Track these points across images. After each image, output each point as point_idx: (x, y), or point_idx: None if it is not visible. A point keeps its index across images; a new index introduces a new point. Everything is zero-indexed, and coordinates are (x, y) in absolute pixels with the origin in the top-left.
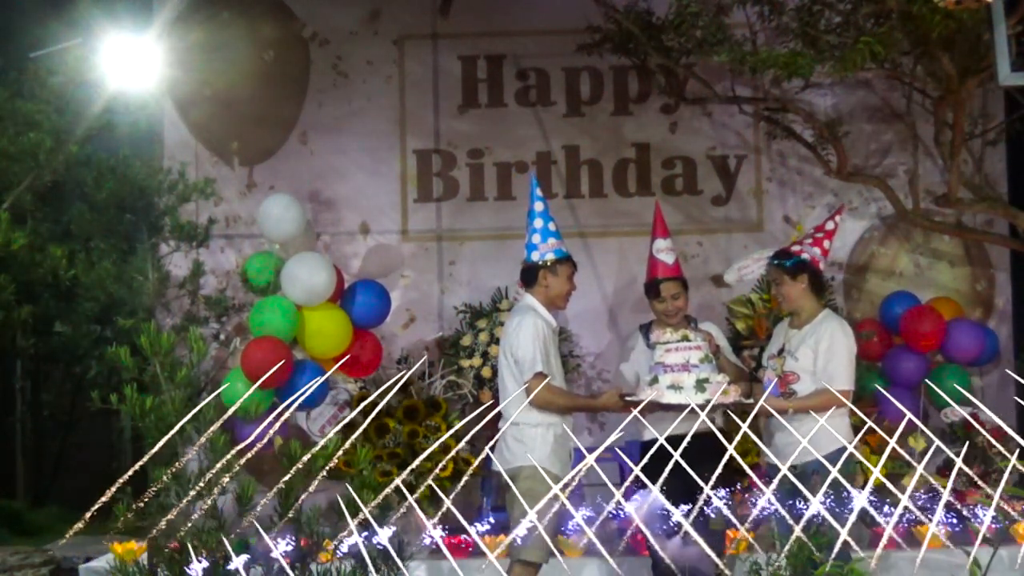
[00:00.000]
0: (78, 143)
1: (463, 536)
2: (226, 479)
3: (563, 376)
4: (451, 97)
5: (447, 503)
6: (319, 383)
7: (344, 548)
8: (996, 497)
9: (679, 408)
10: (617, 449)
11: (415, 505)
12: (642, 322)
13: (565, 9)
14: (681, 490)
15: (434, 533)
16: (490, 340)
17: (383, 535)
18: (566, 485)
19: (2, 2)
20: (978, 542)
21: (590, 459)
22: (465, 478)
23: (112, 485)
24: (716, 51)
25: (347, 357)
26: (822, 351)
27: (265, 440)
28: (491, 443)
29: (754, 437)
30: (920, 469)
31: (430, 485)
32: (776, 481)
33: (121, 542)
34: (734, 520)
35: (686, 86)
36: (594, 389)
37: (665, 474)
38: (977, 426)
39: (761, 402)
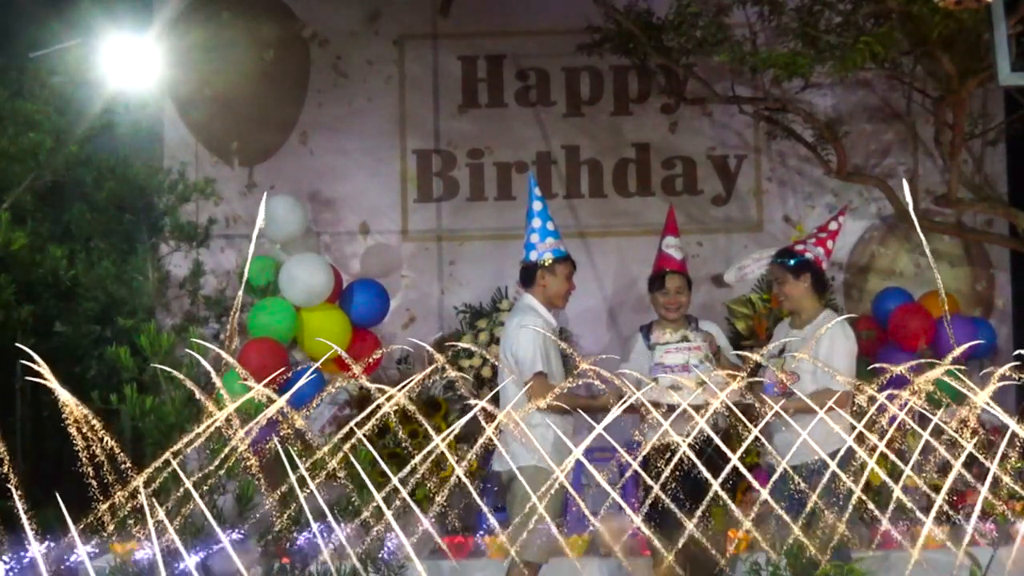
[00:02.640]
0: (78, 143)
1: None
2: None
3: (564, 376)
4: (451, 97)
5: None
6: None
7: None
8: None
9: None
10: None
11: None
12: (642, 322)
13: (565, 9)
14: (683, 490)
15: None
16: (490, 340)
17: None
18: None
19: (2, 2)
20: None
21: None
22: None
23: (111, 485)
24: (716, 51)
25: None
26: (822, 352)
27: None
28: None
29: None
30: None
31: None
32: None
33: (121, 542)
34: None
35: (686, 86)
36: (593, 390)
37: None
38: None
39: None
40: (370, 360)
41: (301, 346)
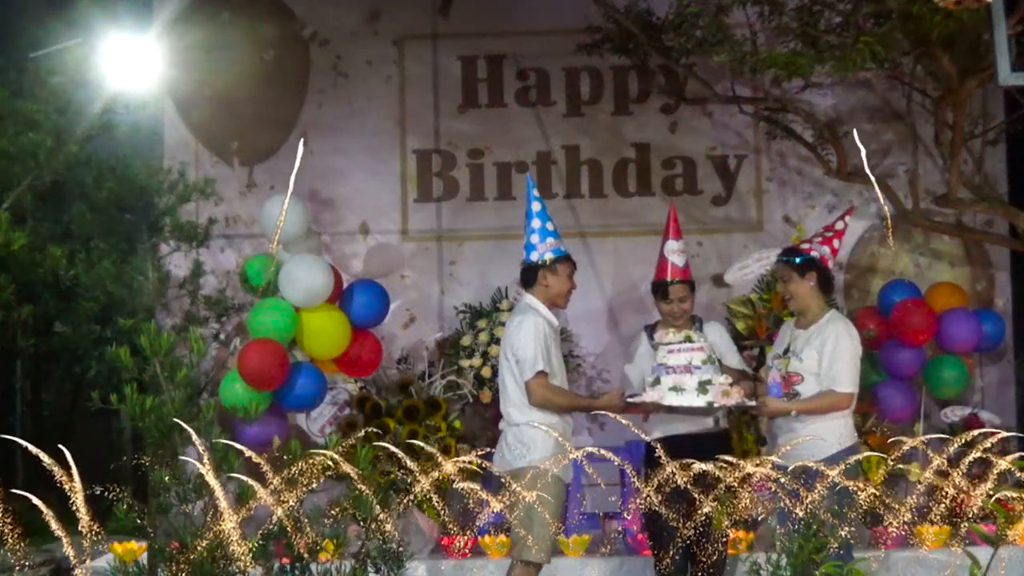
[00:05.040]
0: (78, 143)
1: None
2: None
3: (564, 376)
4: (451, 97)
5: None
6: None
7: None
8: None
9: (681, 410)
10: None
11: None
12: (643, 323)
13: (565, 9)
14: (683, 490)
15: None
16: (490, 340)
17: None
18: (567, 485)
19: (2, 2)
20: None
21: None
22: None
23: (112, 485)
24: (716, 51)
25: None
26: (827, 353)
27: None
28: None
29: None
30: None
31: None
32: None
33: (121, 542)
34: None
35: (686, 86)
36: (594, 389)
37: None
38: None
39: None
40: None
41: (301, 346)
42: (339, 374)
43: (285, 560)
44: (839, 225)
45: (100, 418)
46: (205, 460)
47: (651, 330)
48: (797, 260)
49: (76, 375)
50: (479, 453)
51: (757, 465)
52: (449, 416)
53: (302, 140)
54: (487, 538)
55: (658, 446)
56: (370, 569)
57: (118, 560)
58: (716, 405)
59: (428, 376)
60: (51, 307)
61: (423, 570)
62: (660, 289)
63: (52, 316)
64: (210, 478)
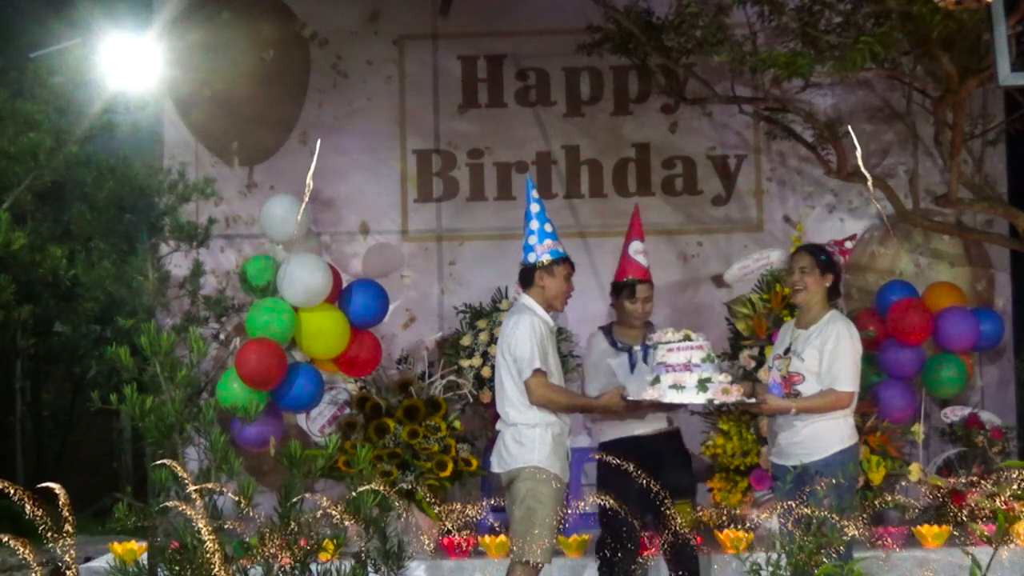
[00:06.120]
0: (78, 143)
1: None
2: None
3: (562, 376)
4: (451, 97)
5: None
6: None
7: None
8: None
9: (682, 408)
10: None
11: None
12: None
13: (565, 9)
14: (644, 491)
15: None
16: (490, 340)
17: None
18: (566, 485)
19: (2, 2)
20: None
21: None
22: None
23: (112, 484)
24: (716, 51)
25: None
26: (827, 352)
27: None
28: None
29: None
30: None
31: (429, 486)
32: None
33: (121, 542)
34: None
35: (686, 86)
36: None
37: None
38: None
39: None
40: None
41: (300, 346)
42: (339, 374)
43: (285, 561)
44: (848, 244)
45: (100, 418)
46: (198, 505)
47: (607, 330)
48: (823, 257)
49: (76, 375)
50: (485, 504)
51: (755, 466)
52: (449, 416)
53: (317, 143)
54: (487, 538)
55: (602, 455)
56: (370, 569)
57: (118, 560)
58: (716, 402)
59: (428, 376)
60: (51, 307)
61: (423, 570)
62: (627, 288)
63: (52, 316)
64: (205, 533)
